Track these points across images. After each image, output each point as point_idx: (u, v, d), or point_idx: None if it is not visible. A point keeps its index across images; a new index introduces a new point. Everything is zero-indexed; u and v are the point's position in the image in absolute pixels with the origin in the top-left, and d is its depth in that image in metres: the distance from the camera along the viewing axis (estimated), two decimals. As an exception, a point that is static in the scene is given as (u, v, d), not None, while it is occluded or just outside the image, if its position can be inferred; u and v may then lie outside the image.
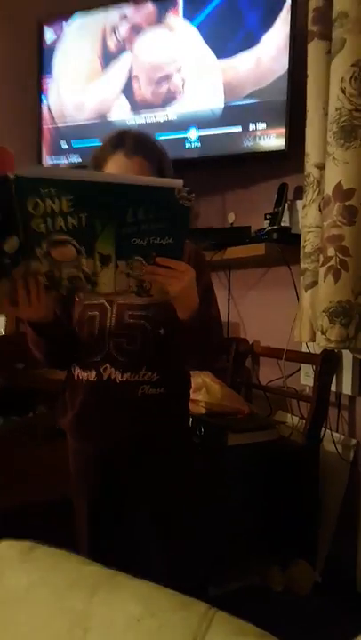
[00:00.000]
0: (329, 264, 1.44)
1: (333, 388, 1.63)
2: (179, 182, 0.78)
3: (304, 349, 1.71)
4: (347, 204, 1.42)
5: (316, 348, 1.62)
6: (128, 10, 2.00)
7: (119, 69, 2.04)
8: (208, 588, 1.43)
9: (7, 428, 1.65)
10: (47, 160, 2.20)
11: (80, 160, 2.13)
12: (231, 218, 2.06)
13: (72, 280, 0.83)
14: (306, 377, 1.74)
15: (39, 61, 2.16)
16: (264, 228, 1.77)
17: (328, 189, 1.45)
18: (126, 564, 1.10)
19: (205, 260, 1.14)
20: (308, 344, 1.65)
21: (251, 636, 0.58)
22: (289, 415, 1.81)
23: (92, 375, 1.02)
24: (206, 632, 0.57)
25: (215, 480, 1.47)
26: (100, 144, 1.06)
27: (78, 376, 1.05)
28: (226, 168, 1.98)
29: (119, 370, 1.00)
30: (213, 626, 0.58)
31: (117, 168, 0.99)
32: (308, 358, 1.69)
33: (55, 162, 2.19)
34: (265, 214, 1.82)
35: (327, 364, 1.58)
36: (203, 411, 1.65)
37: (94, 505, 1.08)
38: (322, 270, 1.46)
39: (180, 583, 1.09)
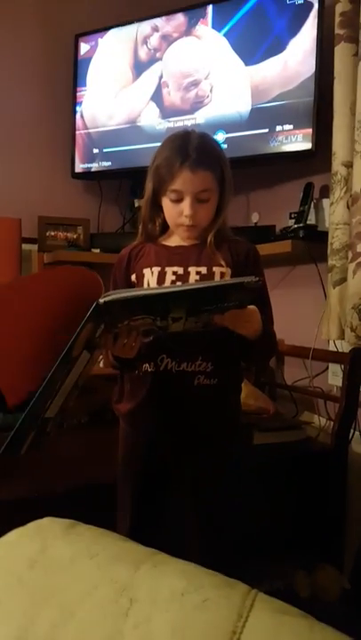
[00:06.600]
0: (358, 260, 1.44)
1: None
2: (249, 278, 0.87)
3: (332, 348, 1.69)
4: (375, 199, 1.42)
5: (344, 347, 1.61)
6: (159, 21, 2.06)
7: (149, 77, 2.10)
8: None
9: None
10: (79, 166, 2.25)
11: (110, 163, 2.18)
12: (255, 217, 2.06)
13: (147, 332, 0.99)
14: (334, 377, 1.72)
15: (74, 73, 2.23)
16: (290, 227, 1.77)
17: (356, 187, 1.45)
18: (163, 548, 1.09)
19: (260, 261, 1.15)
20: (337, 343, 1.64)
21: (294, 615, 0.57)
22: (316, 416, 1.79)
23: (151, 366, 1.05)
24: (251, 609, 0.56)
25: (241, 479, 1.45)
26: (164, 152, 1.05)
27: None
28: (252, 169, 1.99)
29: (175, 360, 1.03)
30: (257, 604, 0.57)
31: (184, 184, 1.02)
32: (336, 357, 1.67)
33: (87, 166, 2.24)
34: (290, 213, 1.83)
35: (357, 362, 1.55)
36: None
37: (138, 490, 1.11)
38: (351, 266, 1.46)
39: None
